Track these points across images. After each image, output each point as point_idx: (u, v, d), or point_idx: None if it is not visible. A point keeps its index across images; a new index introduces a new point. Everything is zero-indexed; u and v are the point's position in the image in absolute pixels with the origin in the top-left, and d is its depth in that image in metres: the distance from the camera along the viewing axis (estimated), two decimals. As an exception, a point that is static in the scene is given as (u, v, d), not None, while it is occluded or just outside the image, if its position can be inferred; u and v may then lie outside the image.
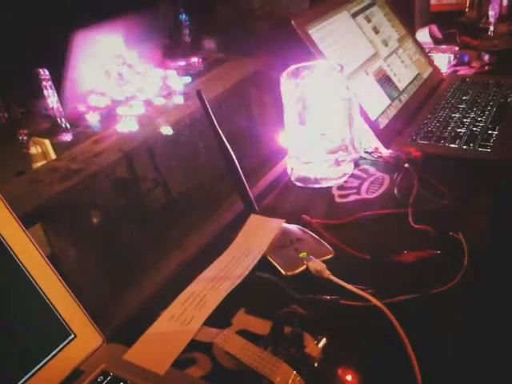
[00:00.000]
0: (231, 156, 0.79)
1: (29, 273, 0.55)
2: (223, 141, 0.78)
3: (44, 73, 1.31)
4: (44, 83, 1.32)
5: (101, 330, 0.60)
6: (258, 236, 0.74)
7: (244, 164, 0.82)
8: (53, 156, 1.25)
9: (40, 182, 1.13)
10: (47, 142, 1.25)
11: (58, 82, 1.39)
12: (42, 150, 1.26)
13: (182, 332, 0.59)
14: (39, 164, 1.22)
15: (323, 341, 0.55)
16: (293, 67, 0.87)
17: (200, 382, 0.54)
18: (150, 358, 0.56)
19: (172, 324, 0.60)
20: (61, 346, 0.56)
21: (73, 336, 0.57)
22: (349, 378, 0.52)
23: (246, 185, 0.80)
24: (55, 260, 1.00)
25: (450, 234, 0.70)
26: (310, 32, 0.93)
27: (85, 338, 0.58)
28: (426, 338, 0.56)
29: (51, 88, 1.33)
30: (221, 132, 0.78)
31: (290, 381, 0.50)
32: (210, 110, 0.75)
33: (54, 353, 0.55)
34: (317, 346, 0.55)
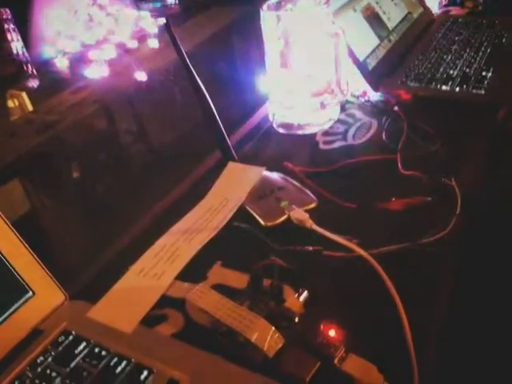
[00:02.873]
0: (206, 99, 0.72)
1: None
2: (197, 82, 0.71)
3: (6, 13, 1.20)
4: (6, 26, 1.21)
5: (64, 287, 0.55)
6: (236, 185, 0.69)
7: (223, 110, 0.76)
8: (30, 108, 1.18)
9: (16, 136, 1.07)
10: (24, 94, 1.18)
11: (23, 25, 1.28)
12: (19, 103, 1.19)
13: (151, 287, 0.54)
14: (17, 117, 1.16)
15: (304, 294, 0.51)
16: (274, -1, 0.79)
17: (170, 340, 0.49)
18: (115, 316, 0.51)
19: (141, 279, 0.56)
20: (17, 305, 0.51)
21: (31, 293, 0.52)
22: (332, 333, 0.47)
23: (223, 131, 0.73)
24: (35, 215, 0.95)
25: (442, 179, 0.65)
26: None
27: (45, 296, 0.53)
28: (415, 290, 0.52)
29: (14, 31, 1.22)
30: (195, 73, 0.71)
31: (269, 337, 0.46)
32: (179, 44, 0.68)
33: (9, 311, 0.50)
34: (298, 299, 0.50)
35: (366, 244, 0.56)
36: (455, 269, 0.54)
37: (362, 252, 0.54)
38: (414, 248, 0.55)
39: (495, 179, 0.66)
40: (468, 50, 1.01)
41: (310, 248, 0.57)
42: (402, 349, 0.46)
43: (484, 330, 0.50)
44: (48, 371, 0.47)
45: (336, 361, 0.45)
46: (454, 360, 0.49)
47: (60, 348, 0.49)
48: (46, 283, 0.54)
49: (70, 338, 0.50)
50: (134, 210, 0.76)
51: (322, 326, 0.48)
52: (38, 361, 0.48)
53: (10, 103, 1.18)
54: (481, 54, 0.99)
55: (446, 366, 0.48)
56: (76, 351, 0.49)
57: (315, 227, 0.59)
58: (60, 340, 0.50)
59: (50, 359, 0.48)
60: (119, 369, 0.46)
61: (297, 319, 0.49)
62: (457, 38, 1.07)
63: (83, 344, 0.49)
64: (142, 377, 0.45)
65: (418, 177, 0.67)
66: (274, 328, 0.47)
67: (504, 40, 1.04)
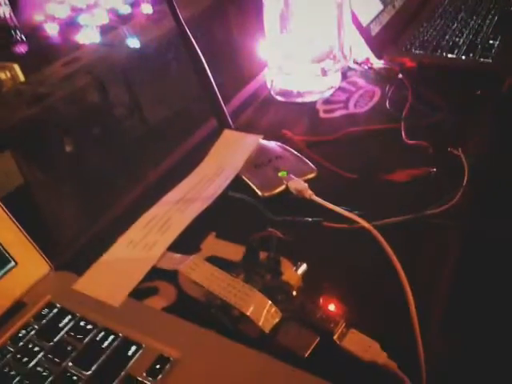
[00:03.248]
0: (203, 64, 0.68)
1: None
2: (193, 46, 0.67)
3: (-8, -25, 1.15)
4: (-8, -13, 1.16)
5: (51, 258, 0.52)
6: (232, 153, 0.65)
7: (220, 77, 0.72)
8: (22, 79, 1.14)
9: (6, 108, 1.04)
10: (16, 65, 1.13)
11: (10, -12, 1.23)
12: (10, 75, 1.15)
13: (141, 259, 0.51)
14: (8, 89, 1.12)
15: (303, 267, 0.48)
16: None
17: (161, 314, 0.47)
18: (103, 288, 0.48)
19: (130, 250, 0.53)
20: (-2, 275, 0.48)
21: (13, 263, 0.49)
22: (331, 307, 0.45)
23: (219, 97, 0.70)
24: (27, 187, 0.92)
25: (448, 149, 0.62)
26: None
27: (28, 266, 0.50)
28: (420, 264, 0.49)
29: (1, -7, 1.17)
30: (190, 35, 0.67)
31: (265, 311, 0.43)
32: (175, 7, 0.64)
33: (-11, 283, 0.47)
34: (296, 272, 0.47)
35: (369, 216, 0.53)
36: (461, 242, 0.52)
37: (364, 223, 0.51)
38: (419, 220, 0.53)
39: (503, 149, 0.63)
40: (475, 18, 0.97)
41: (309, 219, 0.54)
42: (406, 324, 0.43)
43: (489, 305, 0.48)
44: (30, 345, 0.45)
45: (336, 337, 0.42)
46: (459, 337, 0.47)
47: (44, 321, 0.46)
48: (30, 253, 0.51)
49: (55, 310, 0.47)
50: (127, 180, 0.72)
51: (321, 300, 0.45)
52: (20, 334, 0.45)
53: (2, 75, 1.14)
54: (488, 22, 0.95)
55: (450, 343, 0.45)
56: (60, 325, 0.46)
57: (314, 197, 0.56)
58: (44, 313, 0.47)
59: (32, 333, 0.46)
60: (106, 343, 0.44)
61: (295, 293, 0.46)
62: (463, 6, 1.03)
63: (68, 317, 0.46)
64: (130, 352, 0.43)
65: (423, 147, 0.64)
66: (270, 302, 0.44)
67: (512, 8, 1.00)
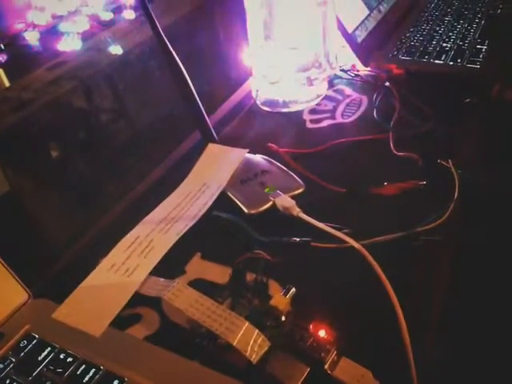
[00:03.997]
0: (183, 75, 0.66)
1: None
2: (172, 56, 0.65)
3: (-32, -18, 1.12)
4: (-31, -5, 1.13)
5: (28, 284, 0.50)
6: (216, 169, 0.64)
7: (202, 87, 0.70)
8: (6, 84, 1.11)
9: None
10: (0, 71, 1.11)
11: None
12: None
13: (123, 284, 0.49)
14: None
15: (292, 290, 0.46)
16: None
17: (143, 345, 0.45)
18: (83, 317, 0.46)
19: (111, 275, 0.51)
20: (-27, 306, 0.46)
21: (-11, 293, 0.47)
22: (322, 333, 0.43)
23: (203, 109, 0.68)
24: (14, 197, 0.90)
25: (438, 161, 0.61)
26: None
27: (5, 294, 0.48)
28: (411, 284, 0.48)
29: (-22, 1, 1.14)
30: (169, 45, 0.65)
31: (252, 341, 0.42)
32: (152, 14, 0.62)
33: (-35, 313, 0.45)
34: (284, 296, 0.46)
35: (358, 233, 0.51)
36: (454, 259, 0.50)
37: (353, 243, 0.49)
38: (410, 238, 0.51)
39: (494, 159, 0.62)
40: (462, 22, 0.96)
41: (297, 239, 0.53)
42: (399, 351, 0.41)
43: (485, 325, 0.47)
44: (8, 381, 0.42)
45: (327, 366, 0.41)
46: (454, 360, 0.46)
47: (22, 354, 0.44)
48: (7, 280, 0.49)
49: (33, 342, 0.45)
50: (108, 197, 0.70)
51: (311, 327, 0.43)
52: (-3, 369, 0.43)
53: (-15, 81, 1.11)
54: (475, 25, 0.94)
55: (445, 368, 0.44)
56: (39, 358, 0.44)
57: (302, 215, 0.55)
58: (22, 345, 0.45)
59: (10, 367, 0.44)
60: (87, 378, 0.42)
61: (283, 318, 0.45)
62: (449, 10, 1.02)
63: (47, 349, 0.44)
64: (112, 387, 0.41)
65: (412, 158, 0.62)
66: (257, 331, 0.42)
67: (499, 11, 0.99)
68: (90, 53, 1.17)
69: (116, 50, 1.13)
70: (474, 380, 0.45)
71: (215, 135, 0.69)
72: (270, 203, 0.57)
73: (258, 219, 0.57)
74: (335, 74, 0.82)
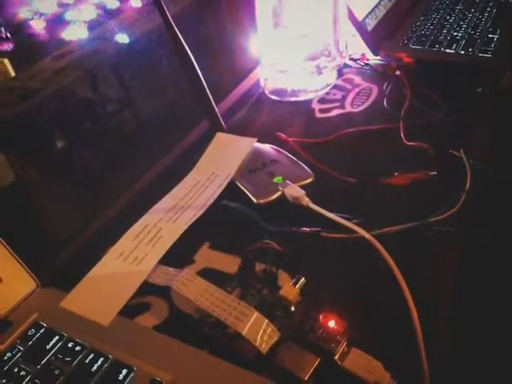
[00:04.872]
0: (192, 63, 0.65)
1: None
2: (182, 44, 0.64)
3: (-26, -31, 1.11)
4: (-25, -17, 1.12)
5: (37, 273, 0.50)
6: (225, 158, 0.63)
7: (211, 76, 0.69)
8: (12, 74, 1.10)
9: None
10: (6, 60, 1.10)
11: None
12: (1, 70, 1.12)
13: (131, 273, 0.49)
14: (-2, 84, 1.09)
15: (301, 281, 0.46)
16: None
17: (152, 334, 0.44)
18: (91, 306, 0.46)
19: (120, 264, 0.50)
20: (-19, 294, 0.46)
21: (-3, 281, 0.47)
22: (331, 324, 0.43)
23: (211, 98, 0.67)
24: (21, 187, 0.90)
25: (449, 151, 0.60)
26: None
27: (13, 283, 0.48)
28: (422, 274, 0.47)
29: (-16, -11, 1.13)
30: (179, 33, 0.64)
31: (261, 331, 0.41)
32: (163, 4, 0.61)
33: (-28, 302, 0.45)
34: (294, 286, 0.45)
35: (368, 224, 0.51)
36: (465, 250, 0.50)
37: (364, 233, 0.48)
38: (421, 228, 0.50)
39: (506, 148, 0.61)
40: (473, 11, 0.94)
41: (307, 229, 0.52)
42: (410, 341, 0.41)
43: (498, 320, 0.46)
44: (16, 369, 0.42)
45: (337, 357, 0.40)
46: (466, 352, 0.45)
47: (30, 343, 0.44)
48: (15, 269, 0.49)
49: (42, 330, 0.45)
50: (116, 185, 0.70)
51: (321, 317, 0.43)
52: (6, 357, 0.43)
53: (-9, 70, 1.11)
54: (486, 14, 0.93)
55: (457, 360, 0.44)
56: (48, 346, 0.44)
57: (312, 205, 0.54)
58: (30, 333, 0.45)
59: (18, 355, 0.43)
60: (95, 367, 0.42)
61: (293, 308, 0.44)
62: (460, -3, 1.00)
63: (55, 338, 0.44)
64: (121, 376, 0.40)
65: (423, 148, 0.62)
66: (267, 321, 0.42)
67: (511, 0, 0.97)
68: (96, 42, 1.16)
69: (123, 38, 1.12)
70: (488, 373, 0.45)
71: (223, 124, 0.68)
72: (279, 193, 0.57)
73: (267, 209, 0.56)
74: (345, 63, 0.81)
